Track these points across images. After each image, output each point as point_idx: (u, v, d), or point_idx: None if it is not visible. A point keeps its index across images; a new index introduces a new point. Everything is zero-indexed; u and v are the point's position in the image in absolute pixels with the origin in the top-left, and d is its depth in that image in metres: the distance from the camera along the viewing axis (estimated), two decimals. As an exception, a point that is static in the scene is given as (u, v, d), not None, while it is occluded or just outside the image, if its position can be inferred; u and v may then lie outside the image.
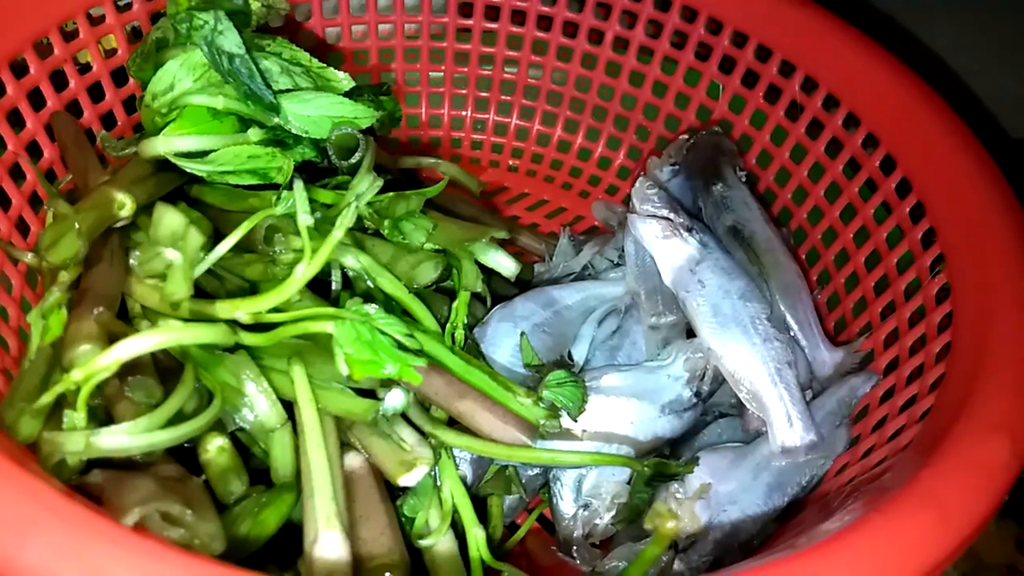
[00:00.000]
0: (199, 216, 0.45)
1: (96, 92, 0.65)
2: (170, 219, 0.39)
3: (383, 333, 0.40)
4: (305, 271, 0.41)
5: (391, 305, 0.50)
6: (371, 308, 0.41)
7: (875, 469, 0.48)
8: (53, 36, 0.60)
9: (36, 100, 0.60)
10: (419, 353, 0.43)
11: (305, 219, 0.40)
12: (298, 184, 0.41)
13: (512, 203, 0.84)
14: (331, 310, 0.41)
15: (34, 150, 0.60)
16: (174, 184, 0.54)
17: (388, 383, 0.45)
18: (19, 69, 0.58)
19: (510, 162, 0.86)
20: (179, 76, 0.50)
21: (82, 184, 0.54)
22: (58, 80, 0.61)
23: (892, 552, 0.35)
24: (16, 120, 0.58)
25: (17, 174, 0.58)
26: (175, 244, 0.39)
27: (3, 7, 0.56)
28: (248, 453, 0.47)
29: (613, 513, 0.54)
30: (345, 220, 0.41)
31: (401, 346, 0.41)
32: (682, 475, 0.50)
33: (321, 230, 0.47)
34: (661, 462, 0.47)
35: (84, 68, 0.64)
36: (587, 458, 0.47)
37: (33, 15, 0.58)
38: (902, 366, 0.55)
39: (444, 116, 0.85)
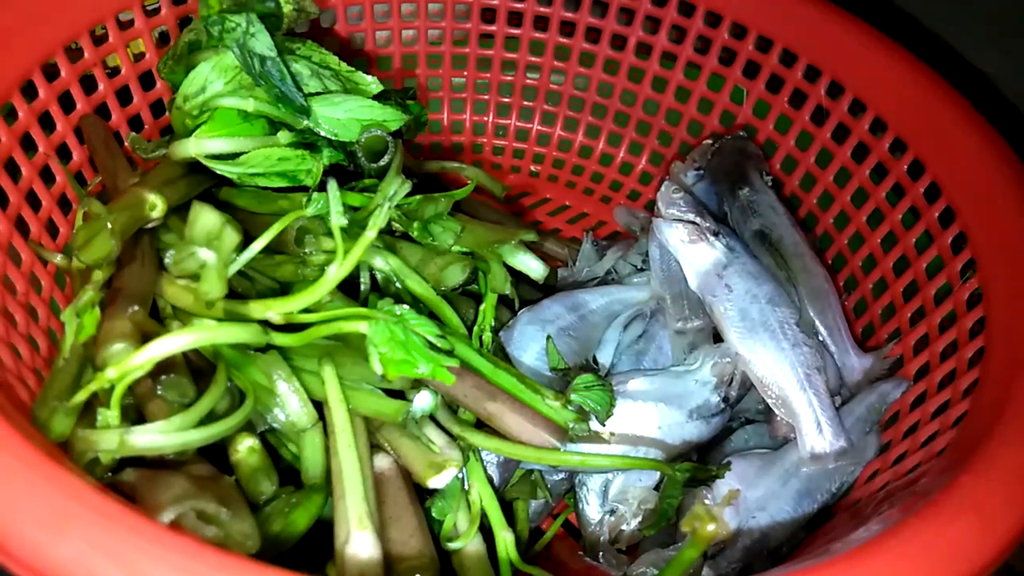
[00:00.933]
0: (230, 217, 0.45)
1: (124, 95, 0.65)
2: (206, 218, 0.39)
3: (415, 334, 0.40)
4: (337, 272, 0.41)
5: (419, 307, 0.50)
6: (402, 309, 0.41)
7: (909, 475, 0.47)
8: (83, 40, 0.60)
9: (66, 103, 0.60)
10: (450, 354, 0.43)
11: (338, 219, 0.40)
12: (332, 184, 0.41)
13: (534, 208, 0.84)
14: (363, 310, 0.41)
15: (64, 152, 0.61)
16: (204, 186, 0.54)
17: (417, 384, 0.45)
18: (50, 73, 0.59)
19: (531, 167, 0.86)
20: (211, 78, 0.51)
21: (112, 186, 0.55)
22: (87, 84, 0.62)
23: (932, 558, 0.34)
24: (47, 123, 0.59)
25: (47, 176, 0.59)
26: (210, 244, 0.39)
27: (35, 13, 0.57)
28: (277, 454, 0.47)
29: (640, 519, 0.54)
30: (378, 220, 0.41)
31: (433, 347, 0.41)
32: (711, 481, 0.50)
33: (350, 232, 0.47)
34: (695, 466, 0.47)
35: (113, 72, 0.64)
36: (616, 461, 0.47)
37: (64, 20, 0.59)
38: (933, 372, 0.54)
39: (466, 121, 0.85)
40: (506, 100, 0.84)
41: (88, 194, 0.58)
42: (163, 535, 0.30)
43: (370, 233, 0.41)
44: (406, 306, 0.41)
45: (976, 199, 0.56)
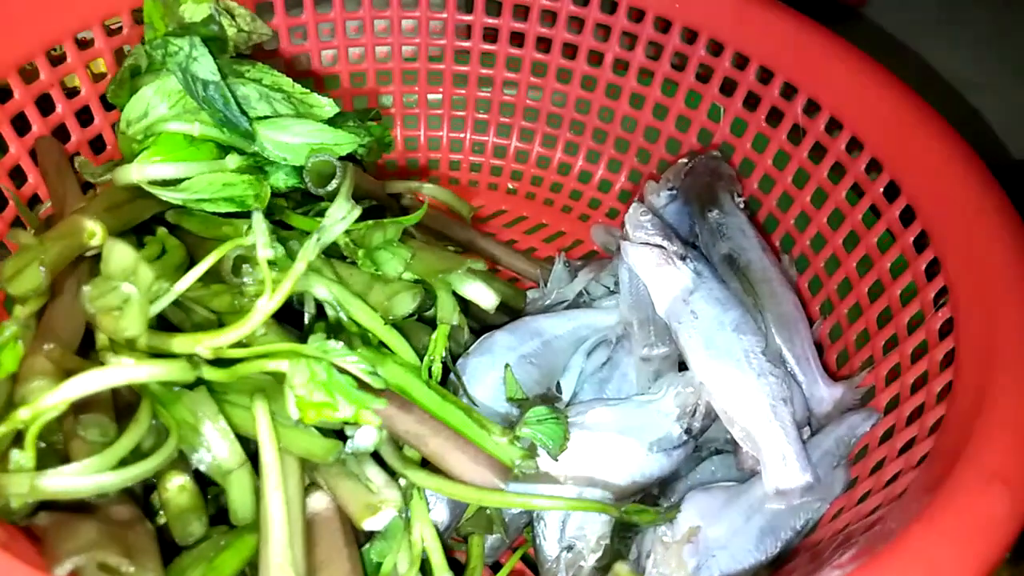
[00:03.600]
0: (159, 250, 0.44)
1: (85, 116, 0.64)
2: (120, 254, 0.38)
3: (343, 372, 0.38)
4: (266, 305, 0.40)
5: (367, 337, 0.49)
6: (334, 344, 0.39)
7: (869, 517, 0.45)
8: (39, 61, 0.59)
9: (21, 125, 0.59)
10: (385, 392, 0.41)
11: (265, 252, 0.39)
12: (256, 216, 0.39)
13: (510, 226, 0.82)
14: (289, 346, 0.39)
15: (19, 176, 0.60)
16: (151, 211, 0.53)
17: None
18: (2, 93, 0.58)
19: (509, 184, 0.85)
20: (153, 103, 0.49)
21: (59, 212, 0.53)
22: (44, 104, 0.61)
23: (876, 616, 0.32)
24: (-2, 145, 0.58)
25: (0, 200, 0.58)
26: (127, 279, 0.38)
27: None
28: (217, 490, 0.46)
29: (599, 555, 0.52)
30: (307, 252, 0.39)
31: (363, 385, 0.39)
32: (662, 522, 0.48)
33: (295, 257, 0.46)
34: (641, 508, 0.45)
35: (72, 92, 0.63)
36: (562, 503, 0.45)
37: (18, 40, 0.58)
38: (903, 404, 0.52)
39: (443, 138, 0.84)
40: (483, 117, 0.83)
41: (39, 219, 0.57)
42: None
43: (299, 265, 0.39)
44: (332, 342, 0.39)
45: (950, 223, 0.53)
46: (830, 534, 0.49)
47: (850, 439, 0.54)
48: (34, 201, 0.61)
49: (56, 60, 0.61)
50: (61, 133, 0.62)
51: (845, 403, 0.56)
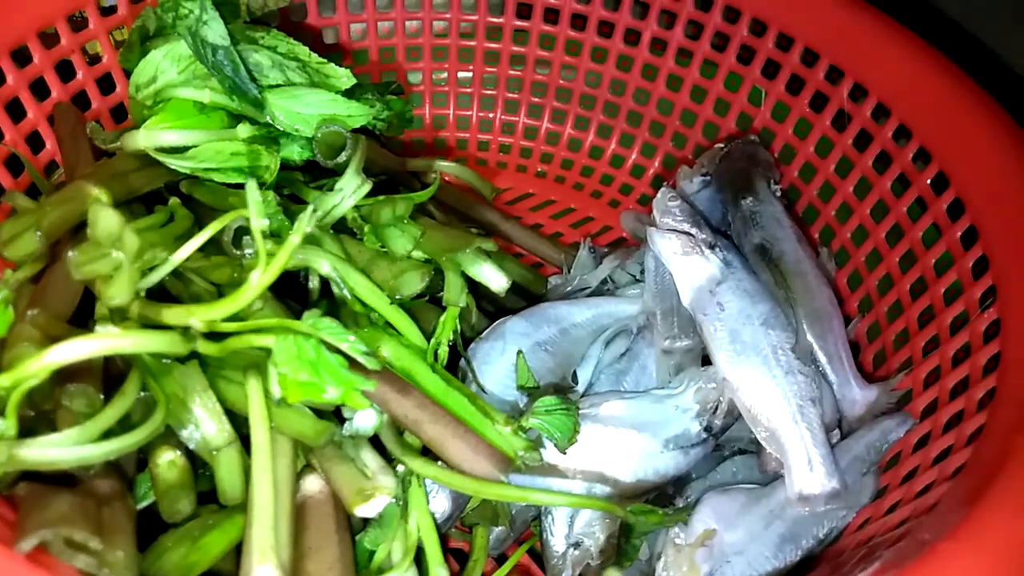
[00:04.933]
0: (165, 218, 0.42)
1: (107, 84, 0.63)
2: (105, 220, 0.36)
3: (336, 351, 0.36)
4: (260, 279, 0.38)
5: (372, 316, 0.47)
6: (327, 320, 0.37)
7: (896, 530, 0.42)
8: (60, 25, 0.58)
9: (39, 90, 0.59)
10: (384, 374, 0.39)
11: (259, 222, 0.37)
12: (250, 184, 0.38)
13: (537, 210, 0.79)
14: (279, 321, 0.38)
15: (37, 141, 0.59)
16: (161, 180, 0.52)
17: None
18: (22, 58, 0.57)
19: (538, 167, 0.82)
20: (162, 67, 0.48)
21: (70, 178, 0.53)
22: (65, 70, 0.60)
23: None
24: (16, 110, 0.57)
25: (16, 166, 0.57)
26: (114, 246, 0.37)
27: None
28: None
29: (607, 554, 0.50)
30: (302, 224, 0.37)
31: (357, 365, 0.37)
32: (674, 524, 0.45)
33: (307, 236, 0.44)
34: (647, 509, 0.42)
35: (94, 60, 0.62)
36: (565, 499, 0.42)
37: (39, 5, 0.57)
38: (940, 411, 0.48)
39: (472, 118, 0.82)
40: (514, 96, 0.80)
41: (52, 186, 0.56)
42: (4, 566, 0.27)
43: (294, 238, 0.37)
44: (326, 319, 0.37)
45: (1001, 219, 0.50)
46: (854, 544, 0.46)
47: (882, 445, 0.51)
48: (53, 168, 0.60)
49: (78, 25, 0.60)
50: (82, 100, 0.62)
51: (879, 406, 0.53)
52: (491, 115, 0.81)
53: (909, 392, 0.53)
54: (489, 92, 0.80)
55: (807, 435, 0.49)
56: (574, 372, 0.57)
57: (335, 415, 0.44)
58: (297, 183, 0.54)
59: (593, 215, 0.79)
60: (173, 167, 0.48)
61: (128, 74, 0.58)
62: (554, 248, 0.70)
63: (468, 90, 0.80)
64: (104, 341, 0.35)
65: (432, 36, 0.77)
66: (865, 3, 0.62)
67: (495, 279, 0.48)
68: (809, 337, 0.53)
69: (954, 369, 0.49)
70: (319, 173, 0.57)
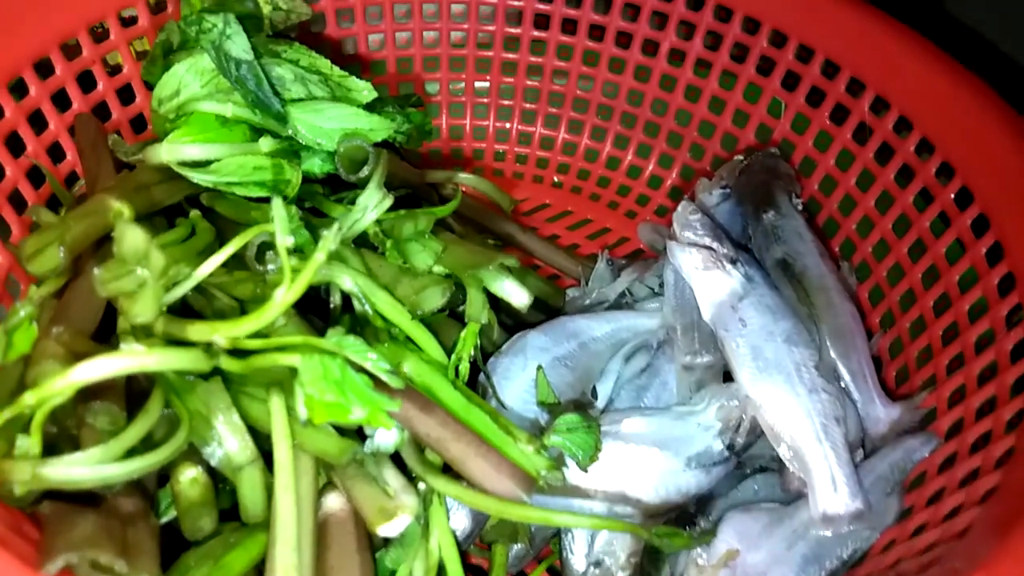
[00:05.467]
0: (187, 232, 0.42)
1: (127, 95, 0.63)
2: (132, 237, 0.36)
3: (360, 370, 0.36)
4: (284, 296, 0.38)
5: (393, 332, 0.47)
6: (352, 339, 0.37)
7: (923, 555, 0.41)
8: (82, 36, 0.58)
9: (61, 101, 0.59)
10: (407, 392, 0.39)
11: (284, 239, 0.37)
12: (276, 201, 0.37)
13: (553, 221, 0.79)
14: (304, 339, 0.37)
15: (58, 152, 0.59)
16: (183, 193, 0.52)
17: (378, 419, 0.41)
18: (44, 69, 0.57)
19: (555, 178, 0.82)
20: (185, 81, 0.48)
21: (91, 190, 0.53)
22: (85, 81, 0.60)
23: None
24: (38, 121, 0.57)
25: (37, 177, 0.57)
26: (140, 263, 0.37)
27: (32, 6, 0.55)
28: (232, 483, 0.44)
29: (629, 573, 0.49)
30: (327, 242, 0.37)
31: (382, 384, 0.37)
32: (696, 545, 0.45)
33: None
34: (673, 531, 0.42)
35: (114, 70, 0.62)
36: (587, 520, 0.42)
37: (61, 16, 0.57)
38: (966, 431, 0.48)
39: (489, 128, 0.81)
40: (531, 107, 0.80)
41: (73, 198, 0.56)
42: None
43: (319, 256, 0.37)
44: (350, 337, 0.37)
45: (1028, 235, 0.49)
46: (880, 568, 0.45)
47: (906, 465, 0.50)
48: (73, 178, 0.60)
49: (99, 37, 0.60)
50: (102, 111, 0.62)
51: (902, 425, 0.52)
52: (508, 125, 0.81)
53: (933, 411, 0.52)
54: (506, 102, 0.80)
55: (831, 454, 0.49)
56: (593, 387, 0.56)
57: (356, 432, 0.43)
58: (317, 196, 0.54)
59: (610, 226, 0.79)
60: (196, 181, 0.48)
61: (150, 87, 0.59)
62: (571, 260, 0.70)
63: (485, 100, 0.80)
64: (129, 359, 0.35)
65: (450, 46, 0.77)
66: (886, 15, 0.61)
67: (517, 295, 0.48)
68: (833, 354, 0.52)
69: (980, 389, 0.49)
70: (339, 186, 0.57)
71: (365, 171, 0.49)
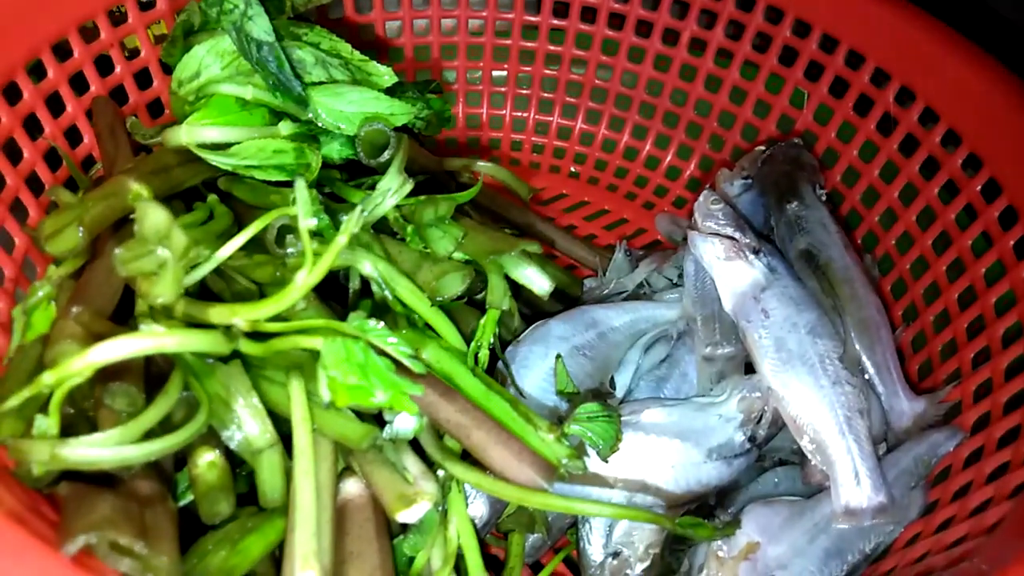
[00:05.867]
0: (205, 215, 0.42)
1: (144, 79, 0.63)
2: (154, 217, 0.36)
3: (382, 354, 0.36)
4: (306, 279, 0.37)
5: (413, 318, 0.46)
6: (374, 323, 0.37)
7: (952, 549, 0.41)
8: (100, 20, 0.58)
9: (79, 84, 0.58)
10: (427, 378, 0.39)
11: (307, 222, 0.37)
12: (299, 183, 0.37)
13: (570, 211, 0.79)
14: (326, 323, 0.37)
15: (75, 136, 0.59)
16: (201, 176, 0.51)
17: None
18: (62, 51, 0.57)
19: (572, 168, 0.81)
20: (206, 62, 0.48)
21: (108, 172, 0.52)
22: (103, 64, 0.60)
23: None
24: (56, 104, 0.57)
25: (54, 160, 0.57)
26: (161, 243, 0.36)
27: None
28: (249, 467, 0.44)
29: (646, 564, 0.49)
30: (349, 225, 0.37)
31: (403, 369, 0.37)
32: (719, 537, 0.44)
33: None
34: (697, 522, 0.41)
35: (132, 54, 0.62)
36: (609, 509, 0.41)
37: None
38: (993, 425, 0.47)
39: (506, 117, 0.81)
40: (549, 96, 0.79)
41: (90, 181, 0.56)
42: (52, 570, 0.27)
43: (341, 239, 0.37)
44: (372, 321, 0.36)
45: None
46: (904, 562, 0.45)
47: (930, 459, 0.49)
48: (90, 162, 0.60)
49: (117, 20, 0.60)
50: (119, 95, 0.62)
51: (927, 419, 0.52)
52: (525, 115, 0.81)
53: (958, 404, 0.52)
54: (523, 91, 0.80)
55: (854, 447, 0.48)
56: (611, 377, 0.56)
57: (375, 418, 0.43)
58: (336, 182, 0.53)
59: (627, 217, 0.78)
60: (214, 164, 0.48)
61: (169, 69, 0.58)
62: (589, 250, 0.69)
63: (502, 89, 0.80)
64: (148, 340, 0.35)
65: (468, 34, 0.76)
66: (914, 5, 0.60)
67: (538, 282, 0.47)
68: (857, 347, 0.52)
69: (1007, 383, 0.48)
70: (357, 172, 0.56)
71: (386, 155, 0.49)
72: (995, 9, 0.67)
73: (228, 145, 0.49)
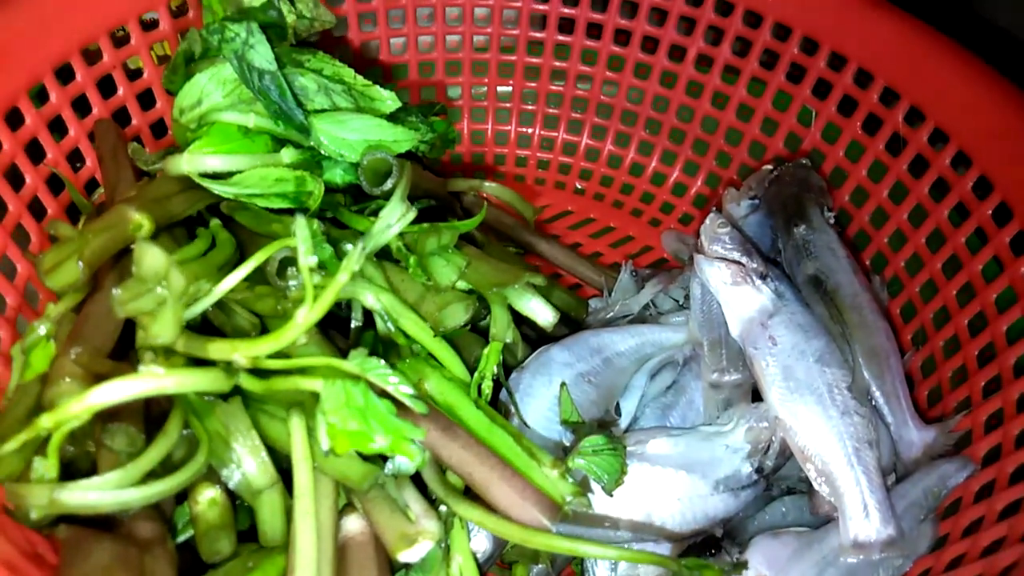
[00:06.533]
0: (206, 245, 0.41)
1: (147, 100, 0.63)
2: (152, 258, 0.35)
3: (381, 395, 0.35)
4: (306, 316, 0.37)
5: (414, 348, 0.46)
6: (375, 360, 0.36)
7: (964, 590, 0.40)
8: (103, 42, 0.58)
9: (81, 106, 0.58)
10: (430, 414, 0.38)
11: (307, 260, 0.36)
12: (300, 221, 0.37)
13: (575, 228, 0.78)
14: (327, 362, 0.36)
15: (77, 158, 0.59)
16: (203, 203, 0.51)
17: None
18: (65, 74, 0.56)
19: (577, 184, 0.81)
20: (208, 90, 0.47)
21: (110, 199, 0.52)
22: (105, 86, 0.60)
23: None
24: (58, 127, 0.57)
25: (57, 183, 0.56)
26: (160, 283, 0.36)
27: (48, 13, 0.54)
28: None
29: (652, 597, 0.48)
30: (350, 263, 0.36)
31: (405, 409, 0.36)
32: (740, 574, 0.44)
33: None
34: (703, 563, 0.40)
35: (134, 74, 0.62)
36: (614, 551, 0.41)
37: (81, 21, 0.56)
38: (1005, 459, 0.46)
39: (511, 133, 0.80)
40: (554, 112, 0.79)
41: (92, 206, 0.55)
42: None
43: (342, 276, 0.36)
44: (373, 359, 0.36)
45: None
46: (915, 600, 0.44)
47: (940, 491, 0.49)
48: (93, 184, 0.59)
49: (120, 41, 0.59)
50: (122, 115, 0.61)
51: (936, 448, 0.51)
52: (530, 130, 0.80)
53: (968, 434, 0.51)
54: (528, 107, 0.79)
55: (863, 479, 0.48)
56: (617, 404, 0.55)
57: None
58: (339, 207, 0.53)
59: (633, 234, 0.78)
60: (217, 192, 0.48)
61: (171, 95, 0.58)
62: (594, 269, 0.69)
63: (507, 105, 0.79)
64: (148, 382, 0.35)
65: (472, 50, 0.76)
66: (923, 23, 0.60)
67: (543, 314, 0.47)
68: (866, 375, 0.51)
69: (1020, 415, 0.47)
70: (361, 194, 0.56)
71: (389, 184, 0.48)
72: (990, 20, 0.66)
73: (230, 174, 0.48)
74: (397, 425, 0.35)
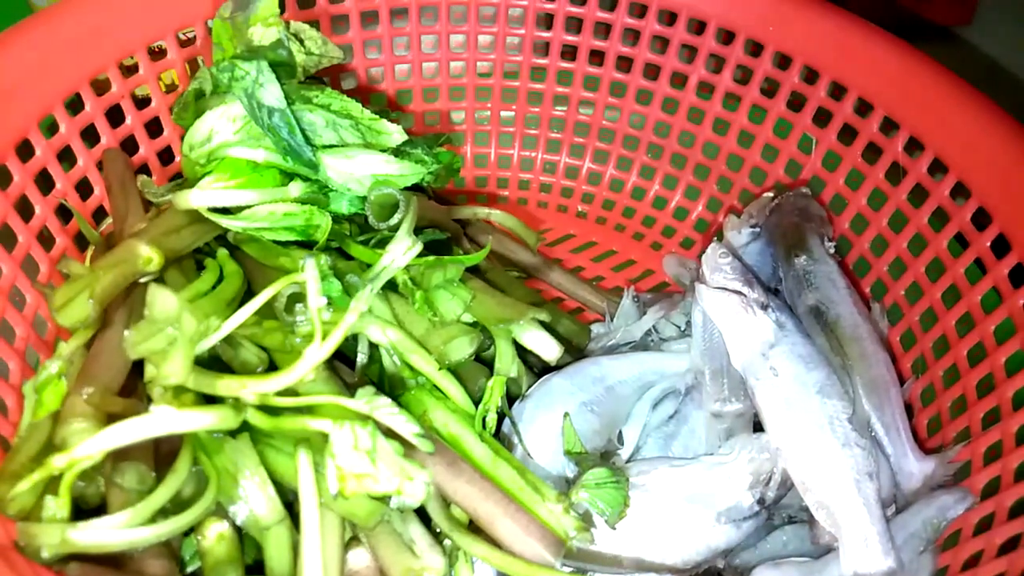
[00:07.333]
0: (215, 279, 0.42)
1: (155, 128, 0.64)
2: (163, 301, 0.36)
3: (388, 435, 0.36)
4: (315, 354, 0.38)
5: (419, 380, 0.46)
6: (382, 399, 0.37)
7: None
8: (112, 72, 0.58)
9: (90, 136, 0.59)
10: (434, 453, 0.39)
11: (316, 301, 0.37)
12: (309, 263, 0.37)
13: (577, 252, 0.79)
14: (335, 402, 0.37)
15: (86, 188, 0.59)
16: (212, 235, 0.51)
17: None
18: (74, 105, 0.57)
19: (579, 207, 0.81)
20: (217, 127, 0.48)
21: (119, 231, 0.53)
22: (114, 115, 0.60)
23: None
24: (67, 157, 0.57)
25: (66, 212, 0.57)
26: (171, 325, 0.36)
27: (59, 44, 0.55)
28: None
29: (654, 626, 0.49)
30: (359, 302, 0.37)
31: (411, 448, 0.37)
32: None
33: (352, 294, 0.44)
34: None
35: (142, 102, 0.62)
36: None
37: (91, 51, 0.57)
38: (1004, 492, 0.47)
39: (514, 157, 0.81)
40: (556, 136, 0.80)
41: (101, 236, 0.56)
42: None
43: (350, 317, 0.37)
44: (381, 397, 0.36)
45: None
46: (916, 633, 0.44)
47: (940, 522, 0.49)
48: (101, 213, 0.60)
49: (128, 71, 0.60)
50: (130, 144, 0.62)
51: (936, 479, 0.51)
52: (533, 154, 0.81)
53: (968, 465, 0.51)
54: (532, 132, 0.80)
55: (863, 511, 0.48)
56: (619, 432, 0.56)
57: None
58: (345, 238, 0.53)
59: (635, 258, 0.78)
60: (226, 226, 0.48)
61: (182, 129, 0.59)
62: (596, 293, 0.69)
63: (511, 129, 0.80)
64: (159, 422, 0.35)
65: (476, 76, 0.77)
66: (924, 54, 0.60)
67: (547, 350, 0.47)
68: (866, 407, 0.52)
69: (1018, 448, 0.48)
70: (366, 223, 0.56)
71: (395, 219, 0.49)
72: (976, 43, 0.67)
73: (239, 208, 0.49)
74: (404, 467, 0.35)
